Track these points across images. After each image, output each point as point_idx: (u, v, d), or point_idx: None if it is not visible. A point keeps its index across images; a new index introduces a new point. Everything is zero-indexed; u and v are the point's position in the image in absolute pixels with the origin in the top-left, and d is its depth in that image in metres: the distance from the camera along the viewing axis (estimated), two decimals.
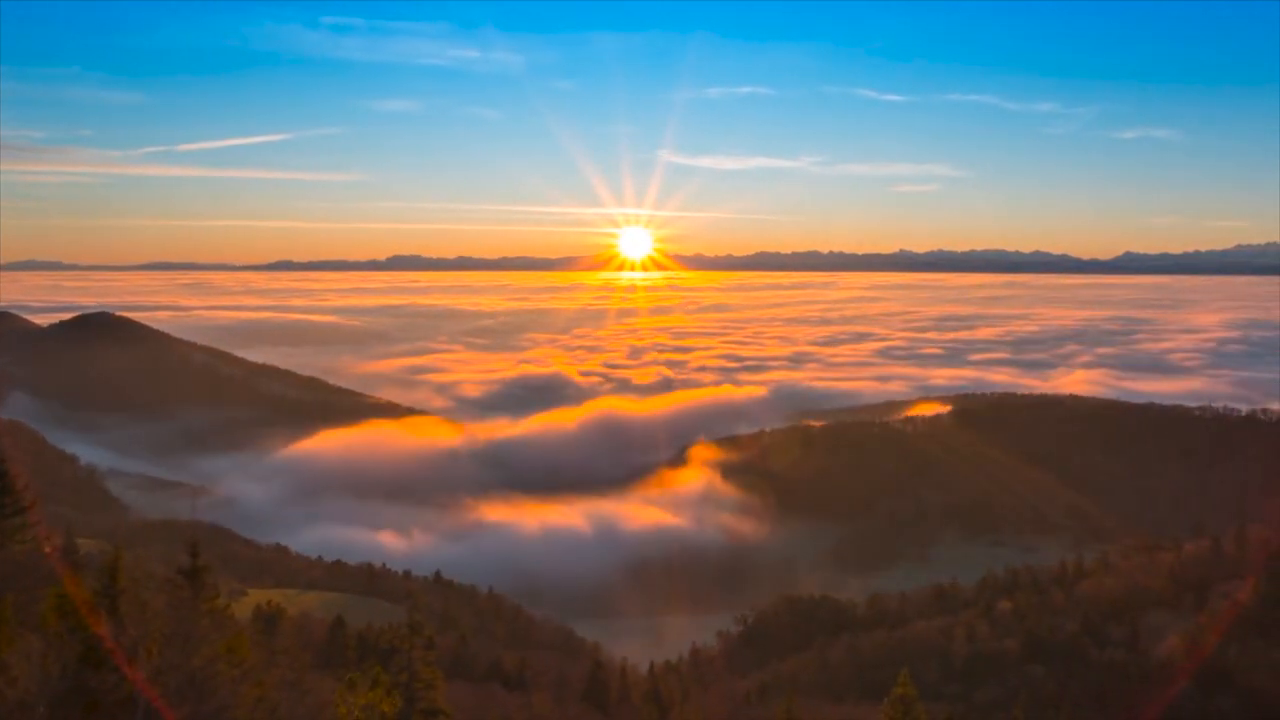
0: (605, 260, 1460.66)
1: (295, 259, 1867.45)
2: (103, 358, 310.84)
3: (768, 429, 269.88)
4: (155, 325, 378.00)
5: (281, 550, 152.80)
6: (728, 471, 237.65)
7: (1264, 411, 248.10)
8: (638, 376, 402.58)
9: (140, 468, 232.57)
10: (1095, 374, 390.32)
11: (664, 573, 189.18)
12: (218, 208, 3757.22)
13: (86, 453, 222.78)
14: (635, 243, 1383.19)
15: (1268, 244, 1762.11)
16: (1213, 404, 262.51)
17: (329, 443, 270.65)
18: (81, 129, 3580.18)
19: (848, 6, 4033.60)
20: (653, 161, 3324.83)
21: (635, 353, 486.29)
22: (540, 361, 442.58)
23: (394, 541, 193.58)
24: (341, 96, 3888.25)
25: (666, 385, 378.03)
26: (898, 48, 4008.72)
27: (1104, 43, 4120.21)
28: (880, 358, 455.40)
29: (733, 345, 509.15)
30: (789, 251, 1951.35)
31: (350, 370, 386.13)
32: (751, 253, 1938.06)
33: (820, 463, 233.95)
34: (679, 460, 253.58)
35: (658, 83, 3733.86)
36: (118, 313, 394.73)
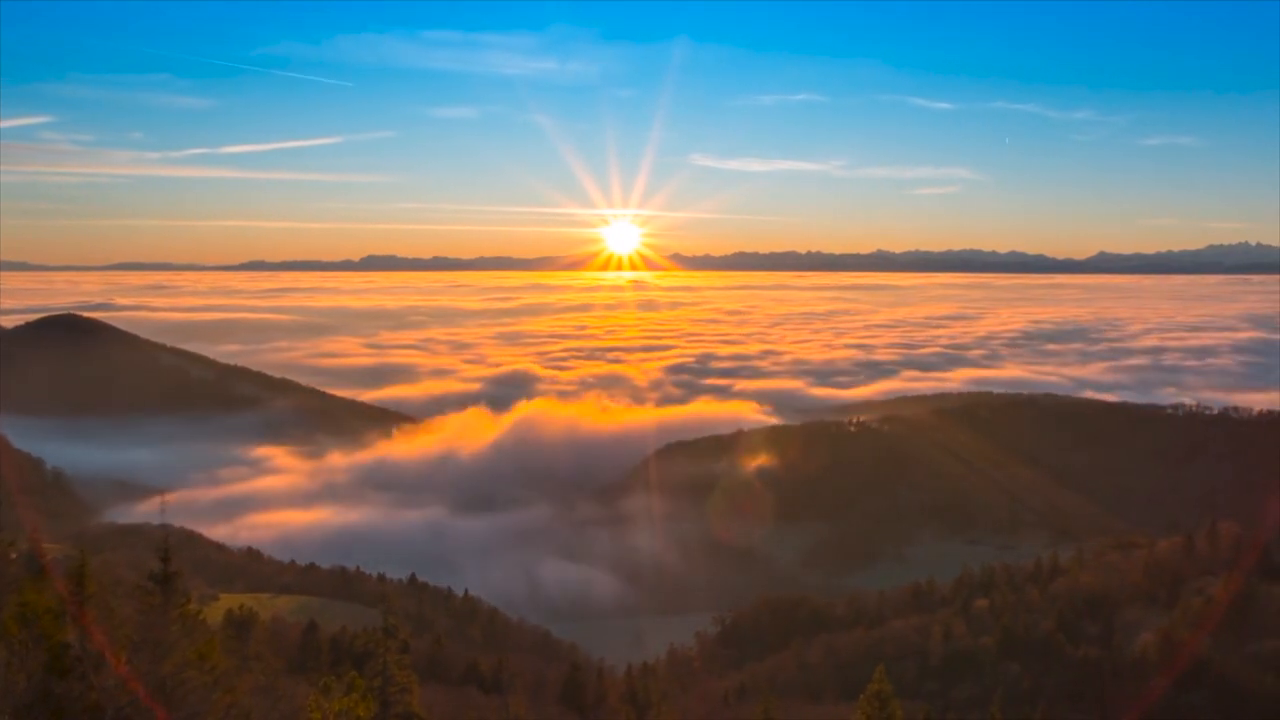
0: (581, 260, 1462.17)
1: (268, 259, 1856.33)
2: (69, 360, 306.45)
3: (745, 429, 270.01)
4: (121, 326, 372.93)
5: (254, 554, 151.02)
6: (703, 473, 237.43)
7: (1235, 410, 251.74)
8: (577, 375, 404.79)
9: (109, 471, 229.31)
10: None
11: (640, 574, 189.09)
12: (220, 209, 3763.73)
13: (53, 456, 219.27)
14: (617, 242, 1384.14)
15: (1239, 243, 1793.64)
16: (1184, 402, 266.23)
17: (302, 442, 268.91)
18: (134, 132, 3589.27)
19: (906, 20, 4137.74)
20: (684, 165, 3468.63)
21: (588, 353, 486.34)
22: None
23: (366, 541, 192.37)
24: (406, 104, 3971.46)
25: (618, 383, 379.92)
26: (951, 59, 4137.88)
27: (1138, 50, 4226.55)
28: (856, 356, 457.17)
29: (702, 344, 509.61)
30: (766, 252, 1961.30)
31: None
32: (730, 253, 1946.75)
33: (797, 463, 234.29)
34: (650, 462, 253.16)
35: (715, 90, 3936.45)
36: (84, 314, 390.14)
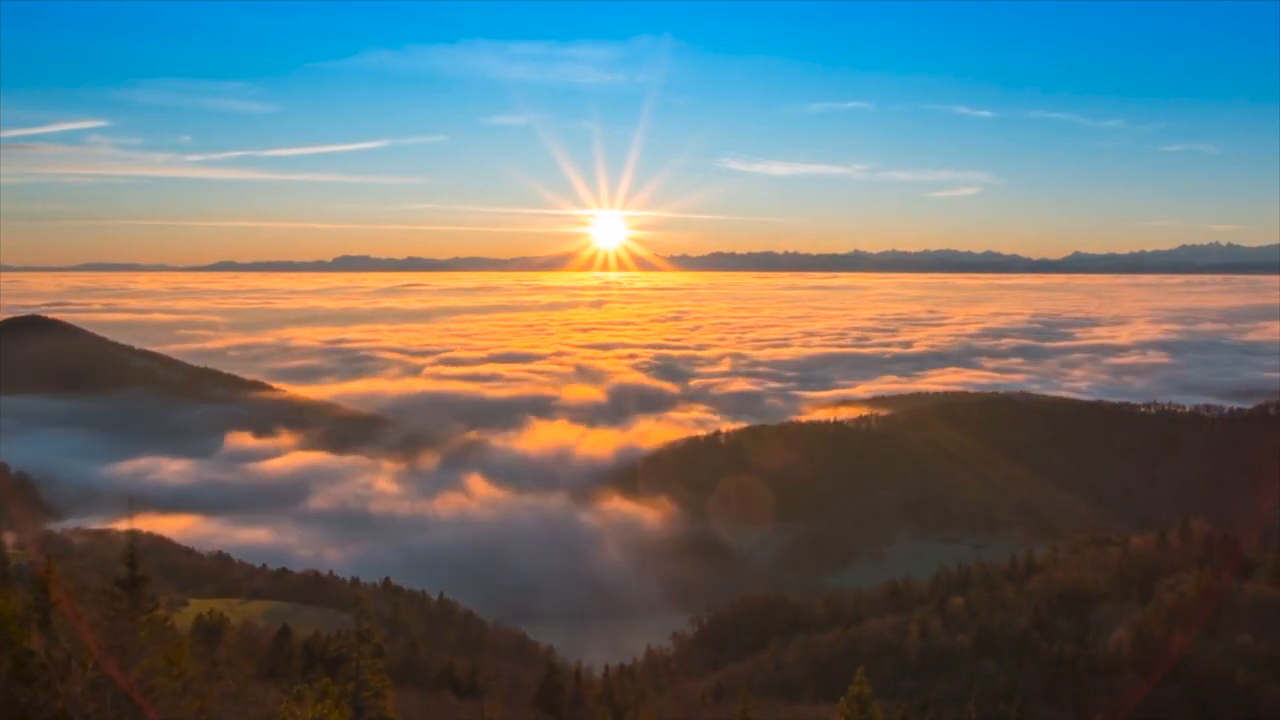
0: (557, 260, 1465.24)
1: (239, 260, 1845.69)
2: (35, 361, 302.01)
3: (722, 430, 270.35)
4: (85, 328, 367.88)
5: (224, 559, 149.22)
6: (681, 473, 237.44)
7: (1206, 408, 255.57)
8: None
9: (75, 475, 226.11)
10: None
11: (618, 575, 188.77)
12: (230, 210, 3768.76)
13: (18, 460, 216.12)
14: (599, 243, 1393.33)
15: (1210, 244, 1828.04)
16: (1157, 400, 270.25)
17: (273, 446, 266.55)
18: (183, 135, 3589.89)
19: (958, 31, 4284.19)
20: (706, 168, 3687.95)
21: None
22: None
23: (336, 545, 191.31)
24: (463, 111, 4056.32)
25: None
26: (998, 70, 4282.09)
27: (1171, 58, 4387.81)
28: (833, 356, 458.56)
29: (677, 344, 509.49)
30: (744, 252, 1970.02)
31: None
32: (707, 253, 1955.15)
33: (773, 463, 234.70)
34: (628, 463, 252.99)
35: (767, 98, 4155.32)
36: (49, 314, 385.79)
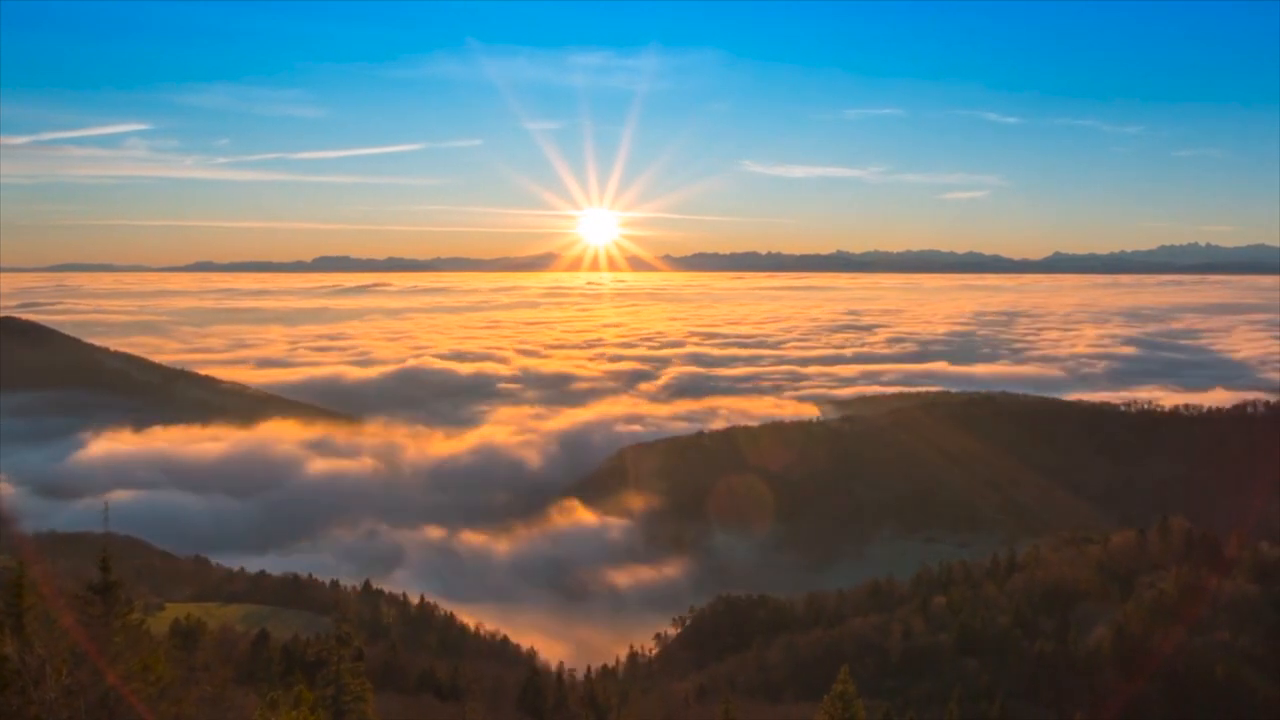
0: (537, 260, 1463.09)
1: (217, 260, 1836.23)
2: (12, 363, 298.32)
3: (705, 431, 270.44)
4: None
5: (201, 561, 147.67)
6: (664, 474, 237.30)
7: (1186, 407, 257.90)
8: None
9: (48, 477, 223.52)
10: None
11: (601, 576, 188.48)
12: (237, 211, 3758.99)
13: None
14: (584, 244, 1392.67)
15: (1189, 244, 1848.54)
16: (1137, 399, 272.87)
17: (254, 450, 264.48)
18: (221, 138, 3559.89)
19: (993, 44, 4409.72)
20: (723, 170, 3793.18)
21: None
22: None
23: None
24: (509, 116, 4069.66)
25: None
26: (1029, 77, 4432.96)
27: (1180, 62, 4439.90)
28: (815, 356, 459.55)
29: (659, 345, 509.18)
30: (727, 253, 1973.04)
31: None
32: (690, 253, 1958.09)
33: (756, 463, 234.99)
34: (611, 464, 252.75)
35: (803, 104, 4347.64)
36: (21, 314, 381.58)
